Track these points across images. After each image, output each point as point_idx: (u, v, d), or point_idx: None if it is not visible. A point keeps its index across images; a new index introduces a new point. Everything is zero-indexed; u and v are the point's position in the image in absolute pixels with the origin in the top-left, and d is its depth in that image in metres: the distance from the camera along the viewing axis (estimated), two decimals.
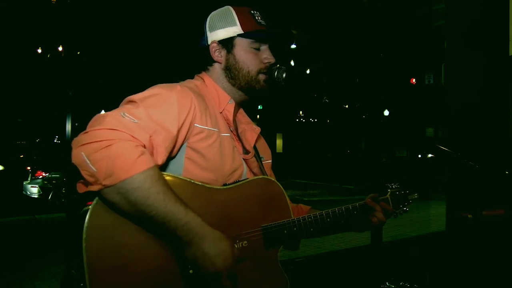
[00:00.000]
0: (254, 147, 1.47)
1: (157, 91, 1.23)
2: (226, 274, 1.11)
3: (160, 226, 1.07)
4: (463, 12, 2.92)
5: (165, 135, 1.15)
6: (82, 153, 1.02)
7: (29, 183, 9.69)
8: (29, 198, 9.52)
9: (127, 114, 1.11)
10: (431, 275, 3.03)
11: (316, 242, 5.52)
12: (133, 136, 1.08)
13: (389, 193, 1.48)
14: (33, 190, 9.56)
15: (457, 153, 1.51)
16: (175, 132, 1.18)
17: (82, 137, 1.05)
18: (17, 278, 4.18)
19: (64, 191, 9.26)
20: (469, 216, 1.44)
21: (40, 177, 9.70)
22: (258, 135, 1.50)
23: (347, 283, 3.19)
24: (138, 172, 1.03)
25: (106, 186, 1.02)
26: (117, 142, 1.04)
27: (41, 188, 9.48)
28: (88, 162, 1.01)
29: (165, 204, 1.06)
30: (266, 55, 1.40)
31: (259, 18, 1.41)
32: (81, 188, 1.08)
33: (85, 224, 1.05)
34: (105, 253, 1.06)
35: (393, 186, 1.51)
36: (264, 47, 1.41)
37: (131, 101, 1.19)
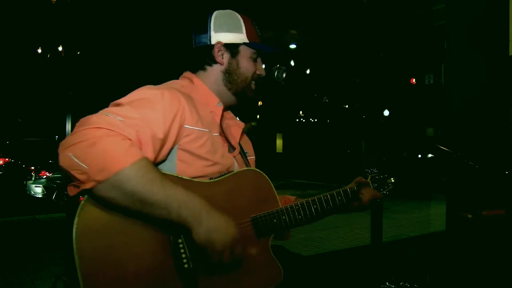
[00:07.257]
0: (239, 143, 1.49)
1: (143, 93, 1.22)
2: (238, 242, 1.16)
3: (162, 211, 1.06)
4: (463, 12, 2.92)
5: (151, 134, 1.14)
6: (70, 154, 1.01)
7: (33, 183, 9.70)
8: (33, 197, 9.53)
9: (112, 114, 1.11)
10: (431, 275, 3.03)
11: (316, 242, 5.51)
12: (119, 132, 1.07)
13: (369, 178, 1.61)
14: (37, 190, 9.55)
15: (457, 153, 1.52)
16: (161, 135, 1.16)
17: (68, 139, 1.04)
18: (17, 278, 4.17)
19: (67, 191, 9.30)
20: (469, 216, 1.44)
21: (44, 177, 9.69)
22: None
23: (347, 283, 3.18)
24: (131, 162, 1.02)
25: (99, 182, 1.00)
26: (104, 138, 1.03)
27: (45, 188, 9.48)
28: (78, 161, 1.00)
29: (164, 188, 1.06)
30: (260, 69, 1.47)
31: (258, 31, 1.47)
32: (72, 191, 1.06)
33: (74, 226, 1.03)
34: (98, 253, 1.05)
35: (373, 171, 1.63)
36: (259, 60, 1.48)
37: (117, 104, 1.18)
